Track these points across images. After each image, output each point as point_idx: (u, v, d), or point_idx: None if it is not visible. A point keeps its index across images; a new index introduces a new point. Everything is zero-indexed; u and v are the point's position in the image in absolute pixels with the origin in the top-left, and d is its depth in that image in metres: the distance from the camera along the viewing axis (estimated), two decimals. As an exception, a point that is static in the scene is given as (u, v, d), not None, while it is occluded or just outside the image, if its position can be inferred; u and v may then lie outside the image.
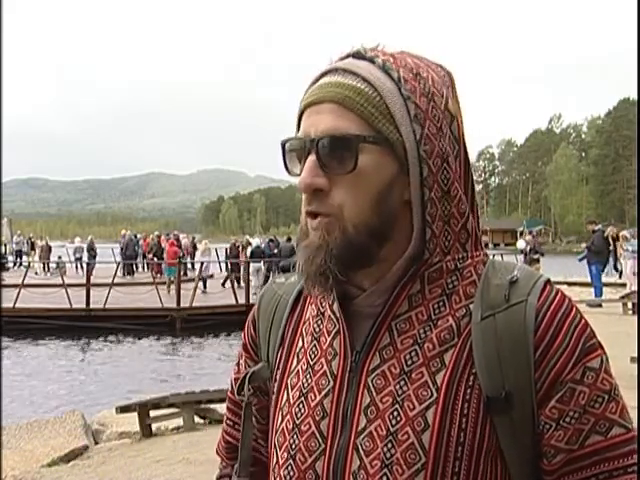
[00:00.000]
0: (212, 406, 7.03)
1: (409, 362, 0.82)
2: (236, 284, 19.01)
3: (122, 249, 27.01)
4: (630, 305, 12.85)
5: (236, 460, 1.03)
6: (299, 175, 0.83)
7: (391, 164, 0.81)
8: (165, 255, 21.75)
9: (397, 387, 0.81)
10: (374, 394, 0.82)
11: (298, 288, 0.97)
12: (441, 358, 0.81)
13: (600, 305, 13.53)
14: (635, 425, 0.82)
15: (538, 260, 18.49)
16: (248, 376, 0.94)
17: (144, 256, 26.75)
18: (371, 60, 0.84)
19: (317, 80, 0.86)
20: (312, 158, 0.81)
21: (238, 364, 1.04)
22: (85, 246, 27.52)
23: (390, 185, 0.81)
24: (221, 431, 1.09)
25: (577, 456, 0.80)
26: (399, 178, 0.82)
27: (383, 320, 0.84)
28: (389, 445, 0.80)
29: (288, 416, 0.89)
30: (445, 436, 0.79)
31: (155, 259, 23.57)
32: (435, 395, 0.80)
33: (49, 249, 30.67)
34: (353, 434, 0.82)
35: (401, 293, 0.83)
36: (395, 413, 0.80)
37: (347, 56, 0.86)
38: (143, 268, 27.61)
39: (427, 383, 0.81)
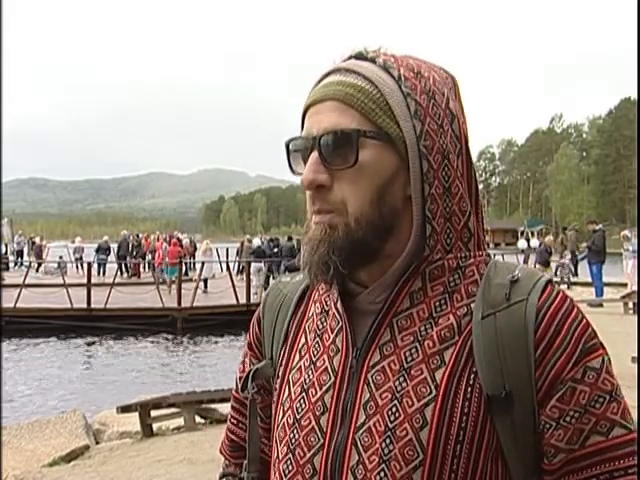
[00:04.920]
0: (213, 406, 7.03)
1: (409, 359, 0.82)
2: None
3: (117, 249, 26.98)
4: (631, 305, 12.83)
5: (241, 459, 1.04)
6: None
7: (392, 159, 0.83)
8: (166, 255, 21.73)
9: (396, 383, 0.82)
10: (374, 390, 0.83)
11: (303, 287, 0.99)
12: (441, 355, 0.82)
13: (601, 305, 13.53)
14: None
15: (549, 264, 18.22)
16: (252, 373, 0.96)
17: (144, 257, 26.79)
18: (372, 60, 0.86)
19: (320, 81, 0.88)
20: (314, 155, 0.83)
21: (243, 362, 1.05)
22: (96, 246, 27.45)
23: (391, 180, 0.83)
24: (225, 430, 1.10)
25: (578, 456, 0.80)
26: (400, 174, 0.83)
27: (384, 317, 0.84)
28: (387, 441, 0.80)
29: (289, 411, 0.90)
30: (444, 434, 0.79)
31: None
32: (434, 392, 0.80)
33: (40, 248, 30.60)
34: (352, 429, 0.83)
35: (402, 290, 0.84)
36: (394, 409, 0.81)
37: (349, 57, 0.88)
38: (144, 268, 27.57)
39: (426, 380, 0.81)
